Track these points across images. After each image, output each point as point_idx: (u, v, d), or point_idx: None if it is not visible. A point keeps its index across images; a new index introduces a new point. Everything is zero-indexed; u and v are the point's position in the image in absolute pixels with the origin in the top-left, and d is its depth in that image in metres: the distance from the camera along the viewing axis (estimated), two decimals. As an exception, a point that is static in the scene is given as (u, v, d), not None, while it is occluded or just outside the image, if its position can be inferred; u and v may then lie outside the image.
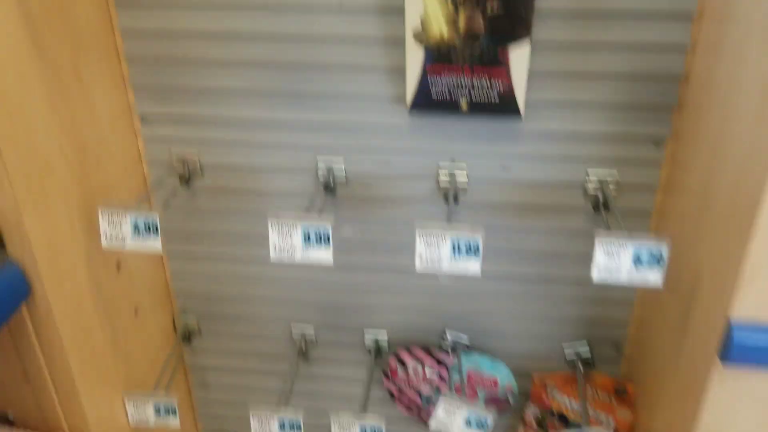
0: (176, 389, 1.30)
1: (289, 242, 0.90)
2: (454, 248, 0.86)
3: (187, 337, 1.27)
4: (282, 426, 1.08)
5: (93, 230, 0.99)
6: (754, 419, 0.82)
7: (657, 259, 0.82)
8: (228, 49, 0.99)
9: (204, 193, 1.12)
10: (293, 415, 1.07)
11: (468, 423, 1.01)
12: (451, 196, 1.01)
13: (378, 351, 1.21)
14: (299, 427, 1.07)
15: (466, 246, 0.86)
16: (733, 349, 0.74)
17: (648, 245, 0.82)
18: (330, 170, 1.06)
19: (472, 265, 0.87)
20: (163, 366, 1.23)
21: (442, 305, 1.16)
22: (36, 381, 0.98)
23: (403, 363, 1.18)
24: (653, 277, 0.83)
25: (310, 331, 1.22)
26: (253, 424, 1.08)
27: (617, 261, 0.83)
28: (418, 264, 0.88)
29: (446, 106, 0.94)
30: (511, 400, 1.17)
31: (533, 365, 1.18)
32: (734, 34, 0.77)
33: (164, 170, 1.11)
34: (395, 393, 1.21)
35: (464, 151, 1.01)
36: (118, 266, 1.08)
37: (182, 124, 1.07)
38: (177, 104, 1.05)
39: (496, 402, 1.17)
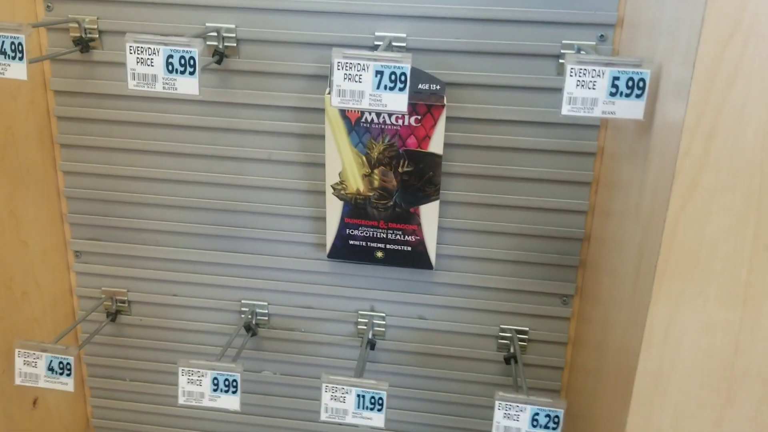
0: None
1: (198, 389, 0.91)
2: (358, 401, 0.87)
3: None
4: None
5: (10, 366, 0.99)
6: None
7: (554, 422, 0.83)
8: (162, 192, 1.04)
9: (130, 329, 1.13)
10: None
11: None
12: (364, 342, 1.02)
13: None
14: None
15: (371, 399, 0.87)
16: None
17: (546, 409, 0.83)
18: (253, 311, 1.08)
19: (377, 419, 0.87)
20: (75, 507, 1.19)
21: (363, 452, 1.14)
22: None
23: None
24: (550, 437, 0.84)
25: (229, 474, 1.20)
26: None
27: (516, 423, 0.84)
28: (323, 414, 0.88)
29: (363, 254, 0.98)
30: None
31: None
32: (618, 198, 0.83)
33: (93, 304, 1.12)
34: None
35: (383, 298, 1.04)
36: (35, 402, 1.07)
37: (114, 261, 1.09)
38: (111, 242, 1.08)
39: None
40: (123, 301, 1.12)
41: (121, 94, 1.00)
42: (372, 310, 1.05)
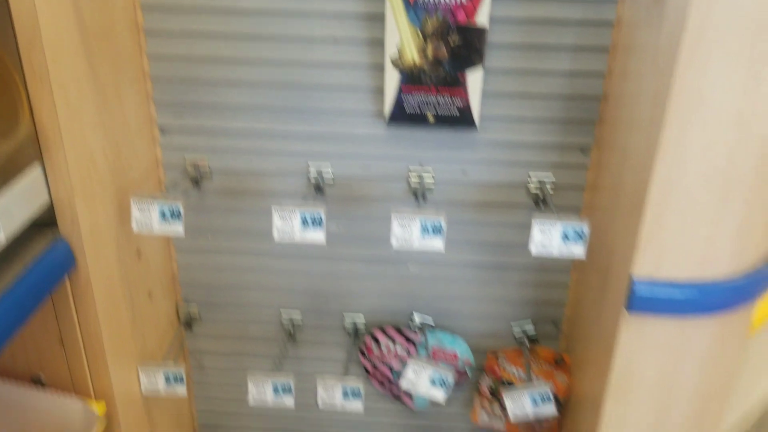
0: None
1: (289, 225, 1.11)
2: (422, 228, 1.08)
3: (189, 323, 1.45)
4: (275, 389, 1.27)
5: (122, 219, 1.18)
6: (655, 362, 1.04)
7: (580, 236, 1.05)
8: (237, 71, 1.21)
9: (211, 193, 1.32)
10: (285, 378, 1.26)
11: (432, 381, 1.21)
12: (420, 195, 1.23)
13: (356, 332, 1.41)
14: (290, 389, 1.26)
15: (431, 226, 1.08)
16: (635, 299, 0.97)
17: (573, 225, 1.05)
18: (320, 173, 1.27)
19: (437, 243, 1.09)
20: (169, 347, 1.41)
21: (412, 290, 1.37)
22: (70, 346, 1.16)
23: (377, 341, 1.38)
24: (577, 250, 1.06)
25: (297, 316, 1.42)
26: (250, 387, 1.27)
27: (549, 237, 1.06)
28: (394, 242, 1.09)
29: (417, 118, 1.18)
30: (468, 372, 1.38)
31: (488, 342, 1.39)
32: (635, 63, 1.02)
33: (178, 174, 1.31)
34: (370, 369, 1.41)
35: (431, 158, 1.24)
36: (139, 254, 1.27)
37: (195, 134, 1.27)
38: (191, 117, 1.26)
39: (456, 374, 1.37)
40: (204, 169, 1.30)
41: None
42: (421, 166, 1.25)
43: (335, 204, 1.30)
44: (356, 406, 1.26)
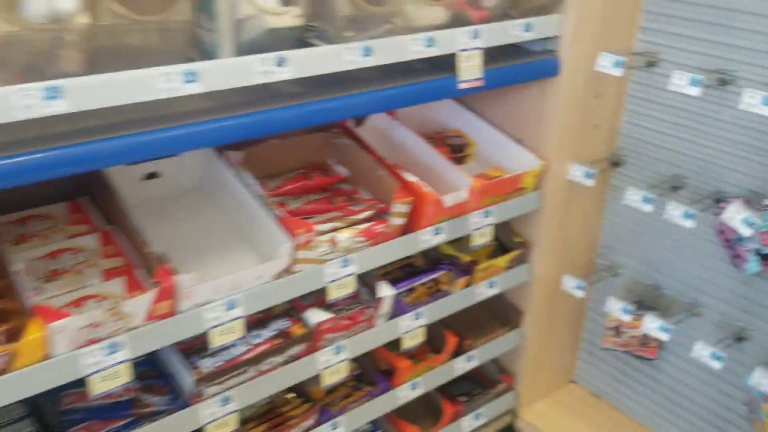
0: (598, 191, 2.21)
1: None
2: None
3: (616, 162, 2.16)
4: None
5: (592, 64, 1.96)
6: None
7: None
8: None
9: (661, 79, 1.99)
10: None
11: (745, 222, 1.68)
12: None
13: (718, 199, 1.91)
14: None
15: None
16: None
17: None
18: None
19: None
20: (594, 166, 2.15)
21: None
22: (543, 125, 2.02)
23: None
24: None
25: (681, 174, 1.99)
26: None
27: None
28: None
29: None
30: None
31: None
32: None
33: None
34: (719, 228, 1.90)
35: None
36: (597, 95, 2.04)
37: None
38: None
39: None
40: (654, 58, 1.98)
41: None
42: None
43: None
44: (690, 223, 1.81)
